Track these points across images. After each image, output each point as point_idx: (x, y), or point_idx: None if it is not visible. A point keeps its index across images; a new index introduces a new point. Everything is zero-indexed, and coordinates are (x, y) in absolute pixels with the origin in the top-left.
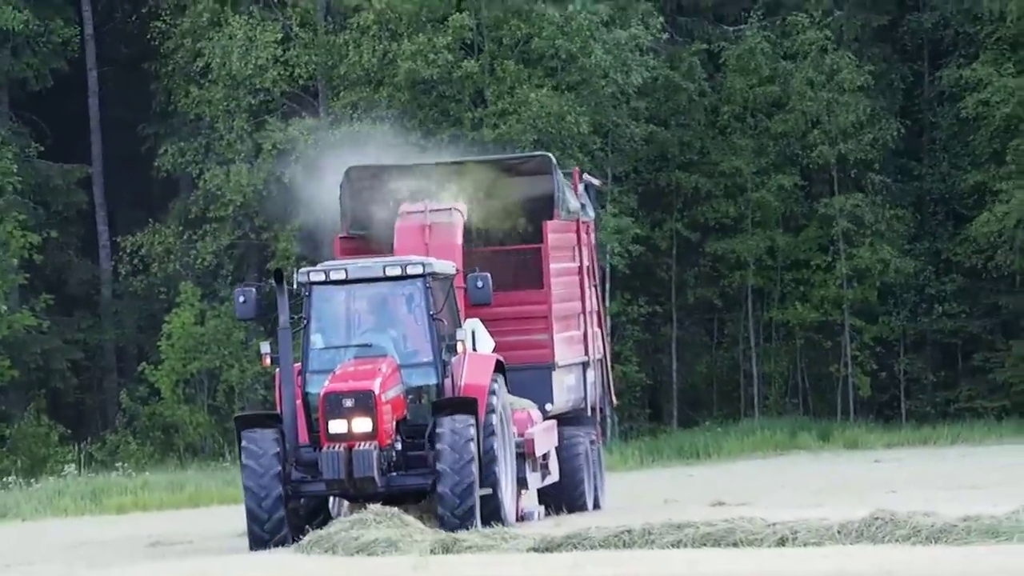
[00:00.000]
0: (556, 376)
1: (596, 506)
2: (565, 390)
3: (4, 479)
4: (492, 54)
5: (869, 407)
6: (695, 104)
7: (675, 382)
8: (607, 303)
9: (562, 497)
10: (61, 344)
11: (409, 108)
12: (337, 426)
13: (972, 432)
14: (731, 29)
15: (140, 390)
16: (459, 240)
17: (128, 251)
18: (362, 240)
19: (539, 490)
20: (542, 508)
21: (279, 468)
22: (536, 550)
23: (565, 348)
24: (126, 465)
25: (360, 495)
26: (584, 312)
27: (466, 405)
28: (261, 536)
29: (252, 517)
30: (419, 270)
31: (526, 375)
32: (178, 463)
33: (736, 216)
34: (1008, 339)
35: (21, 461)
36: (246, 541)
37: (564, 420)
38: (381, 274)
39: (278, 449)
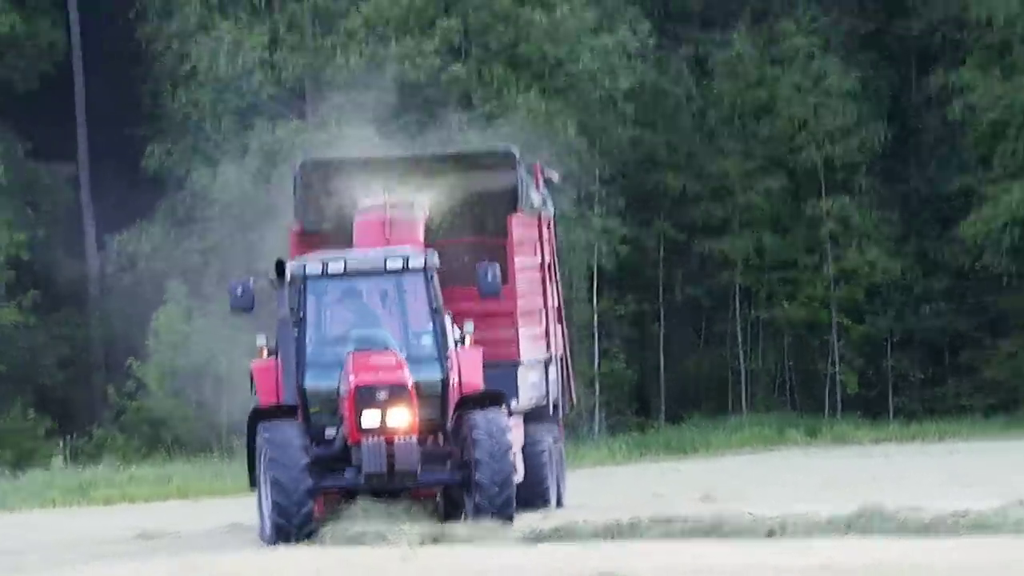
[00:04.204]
0: (521, 373)
1: (559, 504)
2: (529, 387)
3: None
4: (479, 59)
5: (857, 404)
6: (682, 108)
7: (663, 379)
8: (594, 302)
9: (525, 496)
10: (48, 340)
11: (396, 111)
12: (370, 418)
13: (959, 428)
14: (718, 35)
15: (128, 385)
16: (421, 235)
17: (116, 250)
18: (318, 236)
19: None
20: None
21: (307, 460)
22: (525, 541)
23: (529, 345)
24: (113, 458)
25: (397, 489)
26: (546, 308)
27: (493, 399)
28: (288, 530)
29: (280, 511)
30: (421, 262)
31: (491, 372)
32: (166, 457)
33: (724, 218)
34: (996, 338)
35: (8, 454)
36: (234, 534)
37: (526, 418)
38: (382, 266)
39: (304, 441)
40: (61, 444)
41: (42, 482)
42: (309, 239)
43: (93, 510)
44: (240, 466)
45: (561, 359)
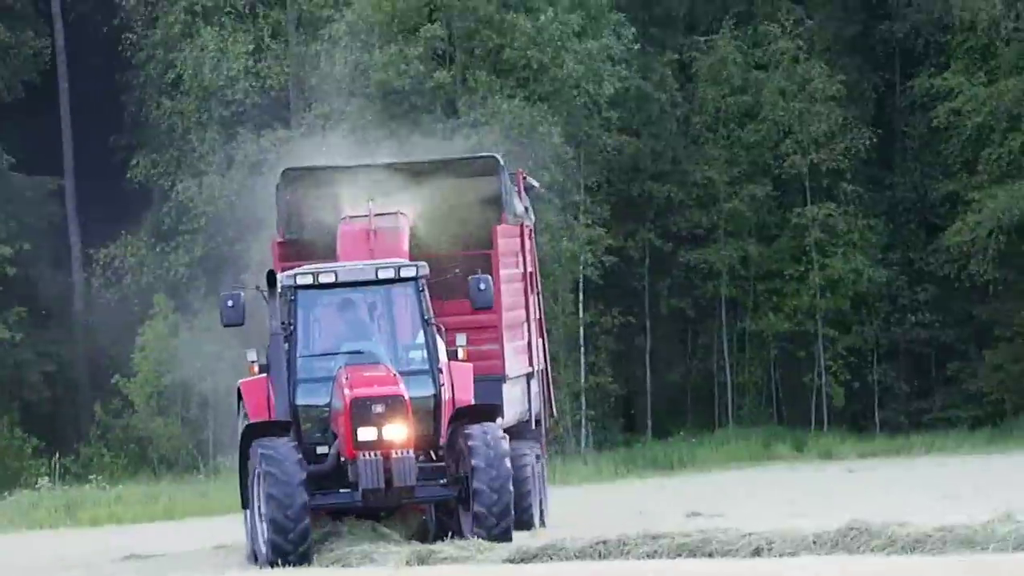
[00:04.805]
0: (506, 388)
1: (542, 523)
2: (513, 402)
3: None
4: (464, 64)
5: (843, 416)
6: (667, 114)
7: (649, 392)
8: (581, 314)
9: None
10: (34, 356)
11: (381, 119)
12: (367, 433)
13: (946, 442)
14: (703, 39)
15: (114, 402)
16: (406, 246)
17: (101, 263)
18: (301, 245)
19: None
20: None
21: (303, 476)
22: (512, 561)
23: (514, 359)
24: (100, 478)
25: (393, 506)
26: (528, 321)
27: (487, 413)
28: (285, 548)
29: (277, 528)
30: (413, 272)
31: (475, 387)
32: (152, 475)
33: (709, 226)
34: (981, 348)
35: None
36: (221, 555)
37: (510, 434)
38: (373, 277)
39: (299, 456)
40: (49, 463)
41: (29, 503)
42: (292, 249)
43: (81, 531)
44: (225, 485)
45: (542, 373)
